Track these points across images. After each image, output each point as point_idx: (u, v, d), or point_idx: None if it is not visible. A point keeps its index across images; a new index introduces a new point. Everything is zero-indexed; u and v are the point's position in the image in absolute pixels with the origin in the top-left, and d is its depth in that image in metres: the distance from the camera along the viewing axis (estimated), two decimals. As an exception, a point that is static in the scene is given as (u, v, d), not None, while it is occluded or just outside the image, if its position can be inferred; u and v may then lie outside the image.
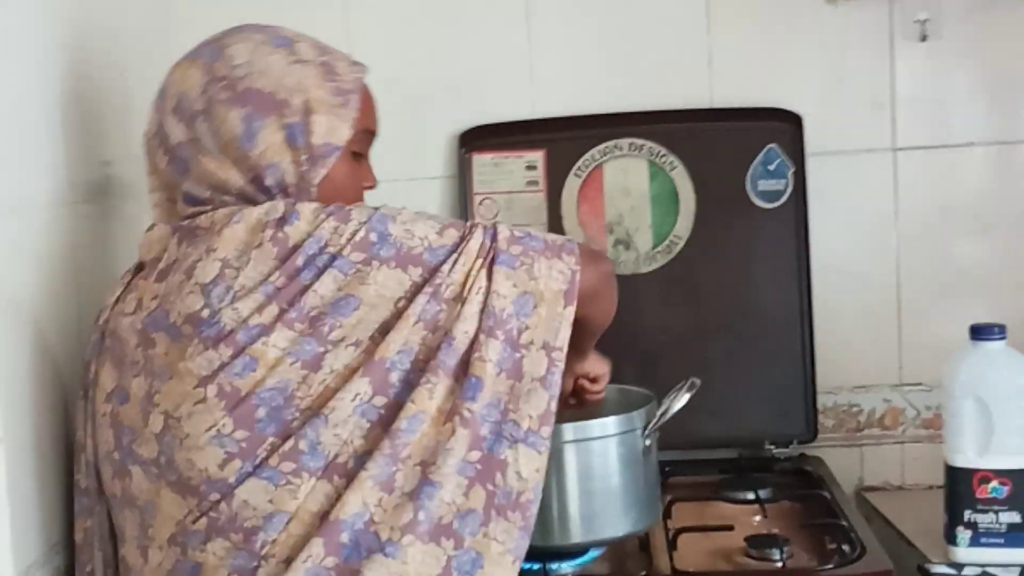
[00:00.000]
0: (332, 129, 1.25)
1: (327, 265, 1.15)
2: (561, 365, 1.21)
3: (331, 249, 1.16)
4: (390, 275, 1.16)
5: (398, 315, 1.16)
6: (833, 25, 1.95)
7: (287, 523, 1.14)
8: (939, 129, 1.97)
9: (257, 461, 1.14)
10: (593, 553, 1.54)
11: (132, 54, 1.68)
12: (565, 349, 1.21)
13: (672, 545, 1.57)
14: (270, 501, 1.14)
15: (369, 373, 1.15)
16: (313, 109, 1.24)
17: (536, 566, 1.51)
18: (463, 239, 1.19)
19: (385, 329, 1.16)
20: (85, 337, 1.37)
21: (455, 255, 1.18)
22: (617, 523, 1.49)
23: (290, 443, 1.14)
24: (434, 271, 1.17)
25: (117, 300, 1.26)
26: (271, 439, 1.14)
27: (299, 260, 1.16)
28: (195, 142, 1.24)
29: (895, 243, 1.98)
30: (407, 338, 1.16)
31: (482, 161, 1.98)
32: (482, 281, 1.18)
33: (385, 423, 1.15)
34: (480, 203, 1.98)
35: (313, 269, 1.15)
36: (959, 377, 1.57)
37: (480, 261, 1.18)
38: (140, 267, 1.28)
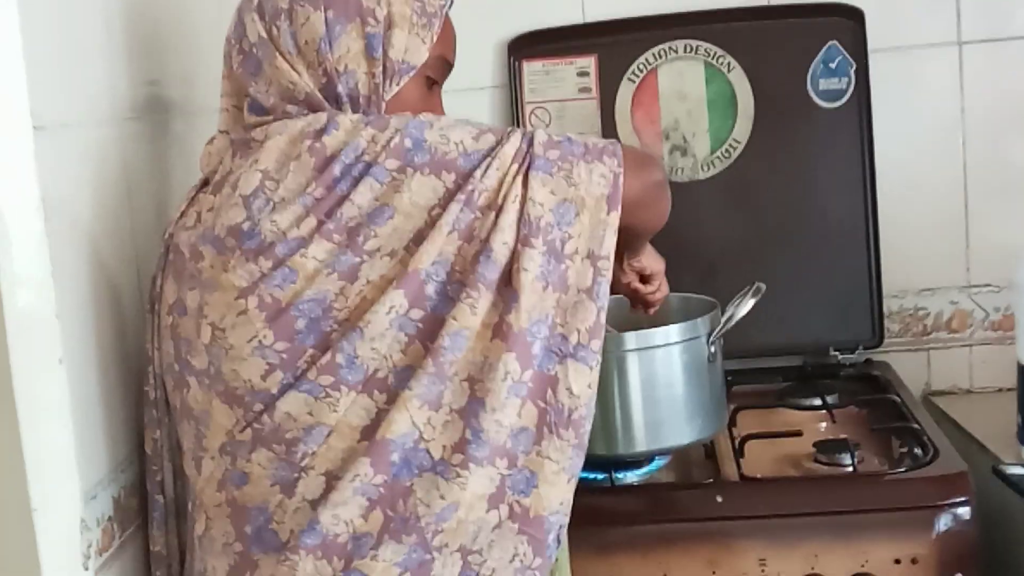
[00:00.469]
0: (411, 48, 1.24)
1: (363, 174, 1.13)
2: (608, 275, 1.17)
3: (367, 157, 1.13)
4: (424, 182, 1.13)
5: (432, 224, 1.12)
6: (895, -86, 1.88)
7: (327, 436, 1.13)
8: (1006, 20, 1.90)
9: (297, 373, 1.13)
10: (659, 462, 1.53)
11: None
12: (612, 257, 1.17)
13: (739, 452, 1.55)
14: (310, 413, 1.13)
15: (404, 285, 1.12)
16: (395, 23, 1.23)
17: (602, 475, 1.50)
18: (498, 143, 1.15)
19: (420, 239, 1.13)
20: (141, 254, 1.36)
21: (489, 159, 1.14)
22: (682, 431, 1.47)
23: (327, 356, 1.12)
24: (467, 177, 1.13)
25: (181, 215, 1.25)
26: (310, 351, 1.13)
27: (336, 169, 1.13)
28: (273, 41, 1.22)
29: (960, 142, 1.92)
30: (441, 248, 1.13)
31: (532, 68, 1.94)
32: (518, 188, 1.14)
33: (425, 337, 1.13)
34: (532, 112, 1.94)
35: (349, 179, 1.13)
36: (1032, 274, 1.53)
37: (516, 167, 1.14)
38: (205, 182, 1.27)
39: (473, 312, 1.13)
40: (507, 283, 1.13)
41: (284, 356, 1.13)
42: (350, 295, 1.13)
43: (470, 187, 1.13)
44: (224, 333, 1.14)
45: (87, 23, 1.32)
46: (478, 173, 1.14)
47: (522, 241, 1.13)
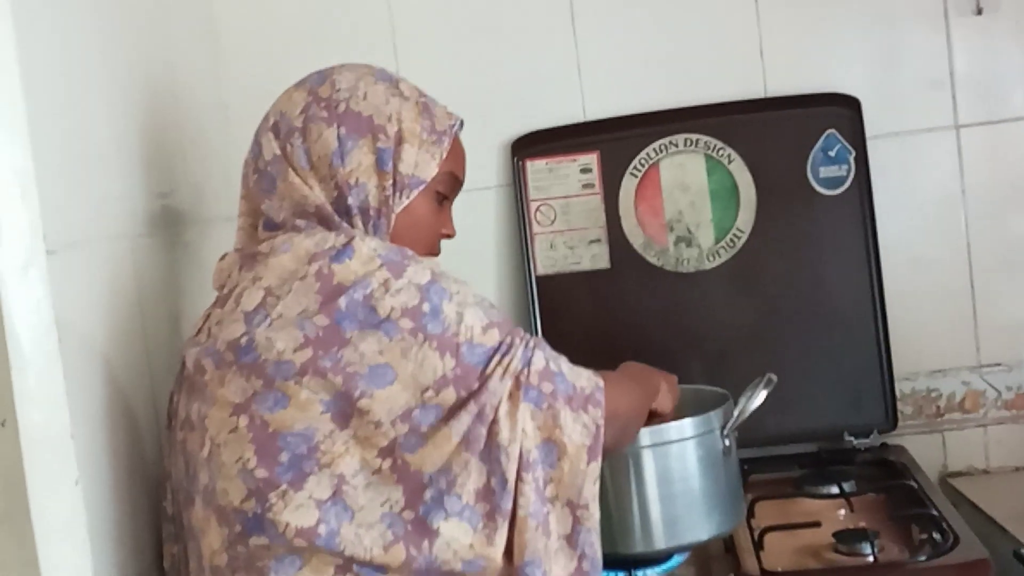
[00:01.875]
0: (420, 163, 1.28)
1: (371, 323, 1.13)
2: (589, 523, 1.19)
3: (376, 303, 1.14)
4: (429, 357, 1.14)
5: (421, 403, 1.13)
6: (885, 4, 1.91)
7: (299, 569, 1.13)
8: (1001, 103, 1.93)
9: (266, 505, 1.12)
10: (678, 558, 1.51)
11: (183, 85, 1.69)
12: (592, 507, 1.19)
13: (759, 545, 1.54)
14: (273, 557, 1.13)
15: (403, 481, 1.13)
16: (405, 139, 1.27)
17: (621, 574, 1.48)
18: (501, 344, 1.17)
19: (407, 417, 1.13)
20: (155, 369, 1.37)
21: (493, 366, 1.16)
22: (700, 526, 1.46)
23: (308, 519, 1.12)
24: (469, 375, 1.14)
25: (198, 331, 1.26)
26: (284, 487, 1.12)
27: (342, 304, 1.14)
28: (287, 157, 1.26)
29: (963, 222, 1.94)
30: (448, 457, 1.14)
31: (536, 167, 1.97)
32: (519, 420, 1.16)
33: (410, 542, 1.13)
34: (537, 209, 1.96)
35: (355, 321, 1.13)
36: (1044, 355, 1.53)
37: (515, 391, 1.16)
38: (217, 297, 1.29)
39: (491, 543, 1.14)
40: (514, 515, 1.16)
41: (260, 484, 1.12)
42: (337, 441, 1.13)
43: (483, 400, 1.14)
44: (219, 449, 1.15)
45: (99, 138, 1.35)
46: (490, 387, 1.15)
47: (519, 476, 1.16)
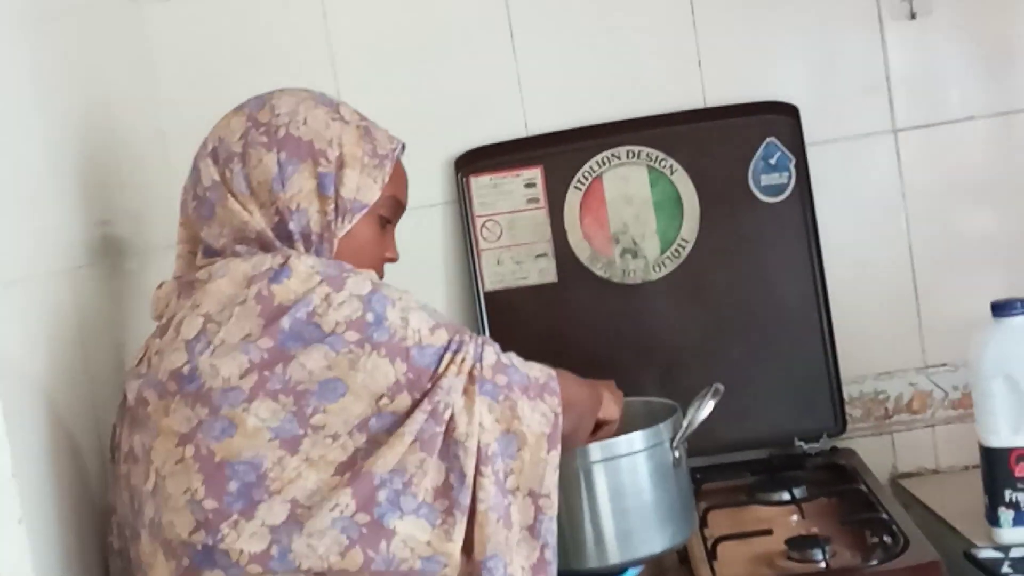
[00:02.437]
0: (362, 187, 1.27)
1: (316, 339, 1.13)
2: (551, 512, 1.20)
3: (319, 320, 1.13)
4: (379, 364, 1.13)
5: (377, 411, 1.13)
6: (820, 10, 1.93)
7: None
8: (937, 106, 1.95)
9: (218, 537, 1.11)
10: (632, 572, 1.51)
11: (119, 113, 1.67)
12: (553, 495, 1.20)
13: (712, 555, 1.54)
14: None
15: (353, 484, 1.12)
16: (347, 163, 1.27)
17: (576, 590, 1.48)
18: (450, 343, 1.17)
19: (363, 427, 1.13)
20: (98, 402, 1.35)
21: (445, 364, 1.16)
22: (654, 539, 1.46)
23: (260, 544, 1.10)
24: (420, 375, 1.14)
25: (139, 362, 1.25)
26: (236, 516, 1.11)
27: (285, 324, 1.13)
28: (226, 183, 1.25)
29: (904, 224, 1.96)
30: (402, 457, 1.13)
31: (480, 183, 1.97)
32: (476, 414, 1.16)
33: (367, 545, 1.12)
34: (483, 225, 1.96)
35: (299, 340, 1.13)
36: (985, 357, 1.54)
37: (469, 385, 1.17)
38: (157, 327, 1.27)
39: (449, 539, 1.14)
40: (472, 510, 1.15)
41: (210, 516, 1.11)
42: (287, 467, 1.11)
43: (436, 398, 1.14)
44: (164, 481, 1.13)
45: (35, 172, 1.33)
46: (444, 385, 1.15)
47: (478, 470, 1.15)
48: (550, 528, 1.20)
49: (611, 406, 1.42)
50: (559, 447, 1.20)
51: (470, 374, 1.17)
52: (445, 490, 1.14)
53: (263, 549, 1.10)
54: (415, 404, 1.14)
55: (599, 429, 1.42)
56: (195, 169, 1.29)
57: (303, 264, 1.17)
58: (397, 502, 1.13)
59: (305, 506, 1.11)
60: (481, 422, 1.16)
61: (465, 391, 1.16)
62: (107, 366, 1.42)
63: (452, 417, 1.15)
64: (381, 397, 1.13)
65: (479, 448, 1.16)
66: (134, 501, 1.19)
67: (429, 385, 1.15)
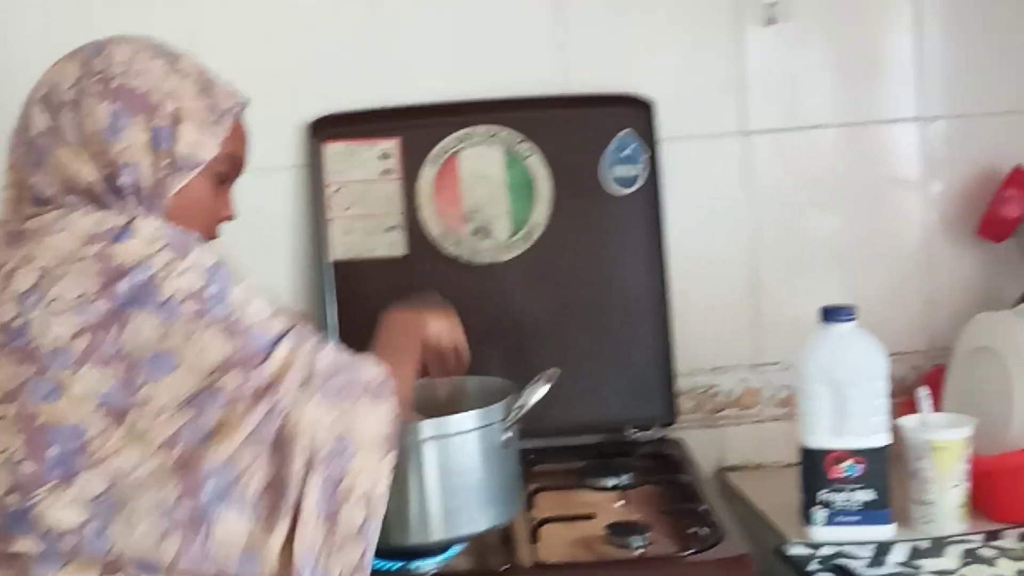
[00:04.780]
0: (199, 143, 1.24)
1: (154, 305, 1.10)
2: (379, 514, 1.20)
3: (158, 286, 1.11)
4: (214, 340, 1.12)
5: (210, 393, 1.11)
6: (684, 9, 1.96)
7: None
8: (789, 111, 2.00)
9: (32, 501, 1.09)
10: (454, 549, 1.53)
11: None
12: (384, 499, 1.20)
13: (534, 536, 1.56)
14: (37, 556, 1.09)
15: (182, 471, 1.10)
16: (183, 118, 1.23)
17: (397, 565, 1.48)
18: (288, 332, 1.17)
19: (191, 402, 1.11)
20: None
21: (283, 358, 1.15)
22: (478, 518, 1.48)
23: (74, 518, 1.09)
24: (253, 359, 1.13)
25: None
26: (54, 483, 1.09)
27: (123, 287, 1.10)
28: (56, 131, 1.21)
29: (749, 224, 2.00)
30: (236, 450, 1.12)
31: (335, 150, 1.94)
32: (308, 412, 1.15)
33: (186, 533, 1.10)
34: (336, 191, 1.94)
35: (134, 304, 1.10)
36: (812, 361, 1.60)
37: (303, 382, 1.16)
38: None
39: (270, 536, 1.12)
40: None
41: (26, 479, 1.08)
42: (111, 439, 1.09)
43: (276, 396, 1.13)
44: None
45: None
46: (284, 382, 1.13)
47: (307, 469, 1.14)
48: (375, 529, 1.19)
49: (440, 331, 1.46)
50: (395, 451, 1.21)
51: (308, 372, 1.16)
52: (272, 488, 1.13)
53: (80, 522, 1.08)
54: (250, 395, 1.12)
55: (429, 356, 1.46)
56: (25, 114, 1.24)
57: (148, 226, 1.14)
58: (224, 494, 1.11)
59: (127, 480, 1.09)
60: (315, 422, 1.15)
61: (301, 388, 1.15)
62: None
63: (287, 415, 1.14)
64: (211, 372, 1.11)
65: (310, 449, 1.15)
66: None
67: (260, 367, 1.13)
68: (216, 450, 1.11)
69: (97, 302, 1.10)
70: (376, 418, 1.20)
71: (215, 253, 1.17)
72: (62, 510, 1.08)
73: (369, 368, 1.23)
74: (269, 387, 1.14)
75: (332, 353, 1.21)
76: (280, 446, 1.14)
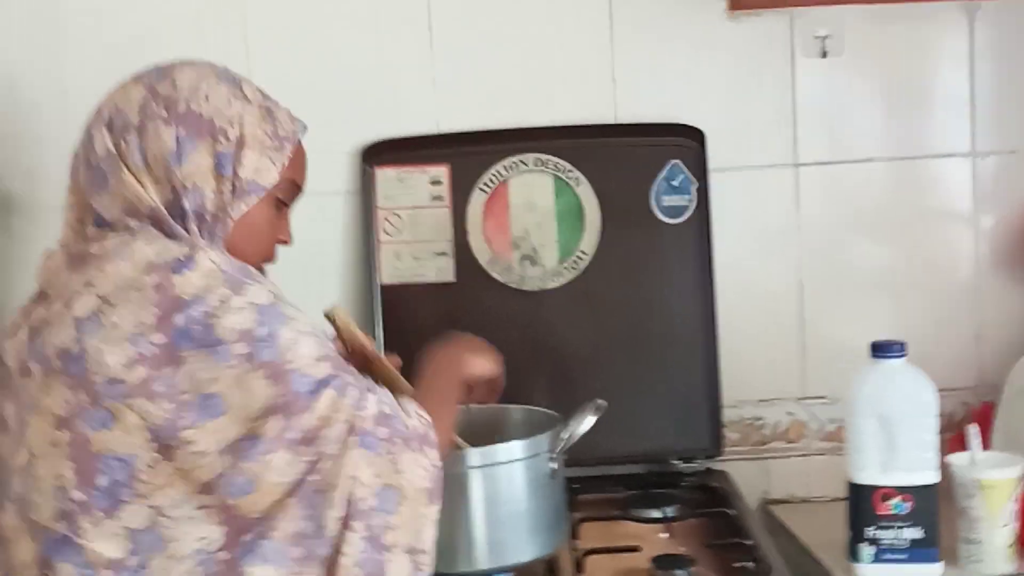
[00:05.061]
0: (261, 169, 1.25)
1: (207, 343, 1.11)
2: (427, 568, 1.20)
3: (214, 322, 1.12)
4: (259, 386, 1.12)
5: (251, 440, 1.12)
6: (735, 41, 1.96)
7: None
8: (839, 144, 1.99)
9: (77, 529, 1.10)
10: (500, 578, 1.53)
11: (19, 70, 1.63)
12: (431, 551, 1.20)
13: (579, 567, 1.56)
14: None
15: (229, 524, 1.12)
16: (247, 144, 1.24)
17: (442, 593, 1.49)
18: (331, 378, 1.16)
19: (232, 449, 1.11)
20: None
21: (327, 406, 1.15)
22: (523, 548, 1.48)
23: (118, 550, 1.10)
24: (295, 403, 1.13)
25: (17, 327, 1.21)
26: (99, 513, 1.10)
27: (180, 320, 1.11)
28: (121, 155, 1.22)
29: (797, 256, 2.00)
30: (273, 503, 1.13)
31: (386, 176, 1.96)
32: (350, 465, 1.15)
33: None
34: (385, 218, 1.95)
35: (191, 341, 1.11)
36: (861, 396, 1.59)
37: (348, 436, 1.16)
38: (39, 294, 1.24)
39: None
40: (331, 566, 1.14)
41: (74, 507, 1.09)
42: (161, 474, 1.10)
43: (319, 448, 1.13)
44: (36, 461, 1.12)
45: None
46: (327, 436, 1.13)
47: (343, 522, 1.14)
48: None
49: (479, 365, 1.43)
50: (440, 502, 1.21)
51: (351, 423, 1.16)
52: (300, 538, 1.14)
53: (119, 557, 1.09)
54: (291, 444, 1.12)
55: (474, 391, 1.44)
56: (88, 136, 1.25)
57: (208, 259, 1.15)
58: (257, 546, 1.12)
59: (170, 516, 1.10)
60: (357, 475, 1.15)
61: (340, 440, 1.15)
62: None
63: (328, 466, 1.15)
64: (254, 419, 1.12)
65: (352, 501, 1.15)
66: (1, 469, 1.16)
67: (303, 415, 1.13)
68: (255, 500, 1.12)
69: (153, 335, 1.11)
70: (420, 469, 1.20)
71: (270, 291, 1.17)
72: (105, 542, 1.09)
73: (412, 418, 1.23)
74: (311, 437, 1.14)
75: (376, 402, 1.20)
76: (319, 497, 1.14)
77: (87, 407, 1.10)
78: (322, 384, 1.15)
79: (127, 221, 1.22)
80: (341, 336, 1.33)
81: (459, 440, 1.44)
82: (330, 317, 1.34)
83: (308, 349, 1.16)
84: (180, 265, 1.14)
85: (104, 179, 1.23)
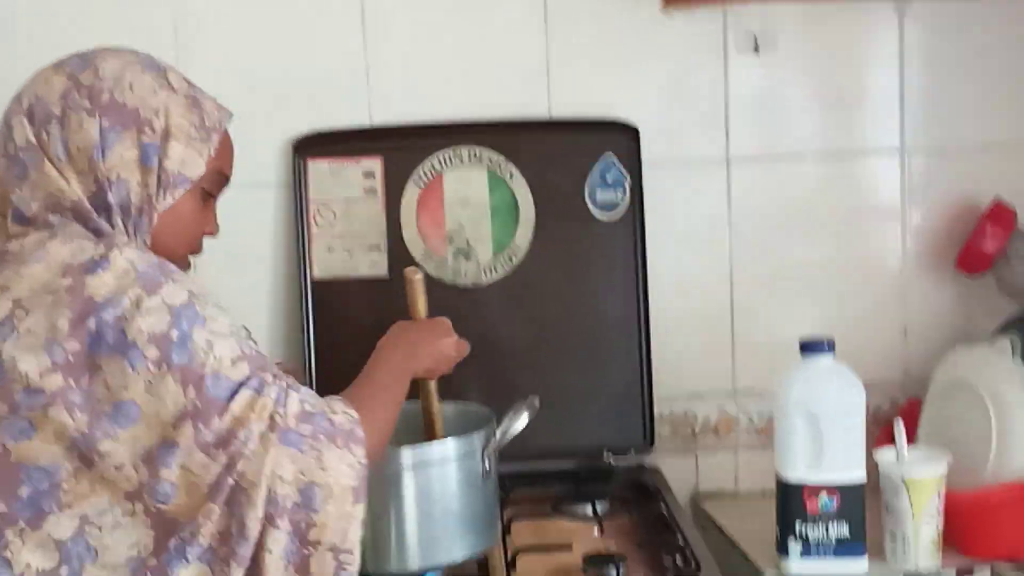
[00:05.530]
0: (187, 160, 1.22)
1: (120, 349, 1.09)
2: (352, 567, 1.18)
3: (125, 325, 1.09)
4: (171, 391, 1.10)
5: (168, 447, 1.10)
6: (669, 38, 1.96)
7: None
8: (771, 140, 2.01)
9: (3, 542, 1.08)
10: (431, 577, 1.52)
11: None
12: (356, 551, 1.18)
13: (511, 566, 1.56)
14: None
15: (157, 528, 1.10)
16: (172, 135, 1.21)
17: (372, 593, 1.48)
18: (250, 379, 1.14)
19: (148, 459, 1.10)
20: None
21: (244, 406, 1.13)
22: (456, 547, 1.47)
23: (48, 561, 1.08)
24: (209, 408, 1.11)
25: None
26: (22, 525, 1.08)
27: (92, 325, 1.09)
28: (42, 146, 1.19)
29: (728, 251, 2.01)
30: (194, 506, 1.11)
31: (318, 168, 1.94)
32: (271, 463, 1.13)
33: None
34: (316, 210, 1.93)
35: (104, 345, 1.09)
36: (790, 395, 1.60)
37: (268, 434, 1.14)
38: None
39: None
40: (254, 559, 1.13)
41: None
42: (82, 483, 1.08)
43: (233, 448, 1.11)
44: None
45: None
46: (241, 436, 1.12)
47: (267, 519, 1.13)
48: None
49: (434, 361, 1.46)
50: (365, 500, 1.19)
51: (271, 420, 1.14)
52: (225, 538, 1.12)
53: (50, 567, 1.07)
54: (204, 446, 1.11)
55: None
56: (6, 125, 1.21)
57: (122, 259, 1.13)
58: (183, 551, 1.11)
59: (96, 524, 1.09)
60: (279, 473, 1.13)
61: (261, 438, 1.14)
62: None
63: (246, 465, 1.13)
64: (167, 426, 1.10)
65: (274, 499, 1.13)
66: None
67: (218, 420, 1.12)
68: (179, 504, 1.11)
69: (67, 342, 1.08)
70: (346, 466, 1.17)
71: (187, 290, 1.14)
72: (32, 553, 1.07)
73: (338, 415, 1.20)
74: (227, 439, 1.12)
75: (298, 400, 1.18)
76: (240, 496, 1.12)
77: (6, 416, 1.08)
78: (241, 384, 1.14)
79: (47, 216, 1.19)
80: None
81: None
82: (408, 279, 1.47)
83: (224, 351, 1.14)
84: (94, 265, 1.11)
85: (24, 171, 1.19)
